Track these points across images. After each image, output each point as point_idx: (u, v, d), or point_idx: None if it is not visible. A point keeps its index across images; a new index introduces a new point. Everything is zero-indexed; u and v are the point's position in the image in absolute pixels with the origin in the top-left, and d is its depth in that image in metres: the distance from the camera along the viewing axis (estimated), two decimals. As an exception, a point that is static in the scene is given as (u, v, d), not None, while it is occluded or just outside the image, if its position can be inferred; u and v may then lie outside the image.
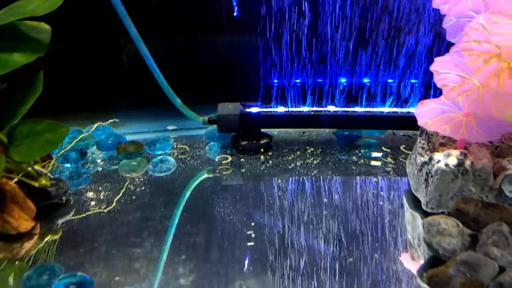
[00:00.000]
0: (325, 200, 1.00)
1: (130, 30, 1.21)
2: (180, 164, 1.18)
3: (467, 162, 0.85)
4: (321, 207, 0.98)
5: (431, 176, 0.86)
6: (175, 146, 1.26)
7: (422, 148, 0.92)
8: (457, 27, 0.90)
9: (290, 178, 1.10)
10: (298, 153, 1.22)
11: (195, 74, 1.47)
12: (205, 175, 1.13)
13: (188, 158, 1.21)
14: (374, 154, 1.19)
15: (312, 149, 1.24)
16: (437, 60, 0.88)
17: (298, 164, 1.16)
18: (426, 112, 0.90)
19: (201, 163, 1.19)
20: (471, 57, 0.78)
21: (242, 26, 1.44)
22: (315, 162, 1.17)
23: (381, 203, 0.99)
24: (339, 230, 0.90)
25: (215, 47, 1.47)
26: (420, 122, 0.90)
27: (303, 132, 1.33)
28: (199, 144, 1.28)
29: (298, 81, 1.35)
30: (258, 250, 0.84)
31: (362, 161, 1.16)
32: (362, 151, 1.21)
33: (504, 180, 0.85)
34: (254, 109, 1.25)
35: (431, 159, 0.88)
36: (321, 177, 1.11)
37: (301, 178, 1.10)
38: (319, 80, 1.34)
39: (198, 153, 1.23)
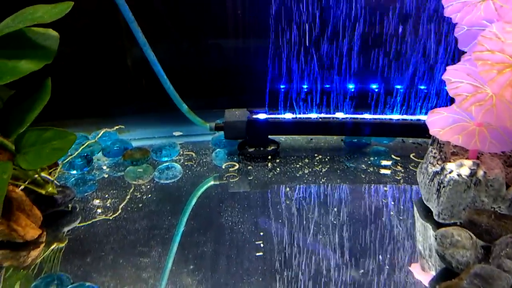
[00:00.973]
0: (334, 209, 0.99)
1: (137, 36, 1.20)
2: (187, 171, 1.17)
3: (480, 172, 0.84)
4: (330, 216, 0.97)
5: (443, 187, 0.85)
6: (181, 152, 1.25)
7: (434, 157, 0.91)
8: (469, 36, 0.89)
9: (298, 186, 1.09)
10: (306, 160, 1.21)
11: (201, 80, 1.46)
12: (212, 182, 1.12)
13: (195, 165, 1.20)
14: (384, 162, 1.18)
15: (320, 156, 1.23)
16: (449, 68, 0.87)
17: (306, 171, 1.15)
18: (437, 121, 0.89)
19: (207, 170, 1.18)
20: (485, 67, 0.77)
21: (249, 31, 1.44)
22: (323, 170, 1.16)
23: (391, 212, 0.97)
24: (348, 239, 0.89)
25: (221, 52, 1.46)
26: (432, 131, 0.88)
27: (311, 139, 1.32)
28: (206, 151, 1.27)
29: (305, 86, 1.34)
30: (267, 260, 0.83)
31: (371, 169, 1.15)
32: (371, 159, 1.20)
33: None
34: (262, 116, 1.24)
35: (443, 169, 0.86)
36: (330, 185, 1.09)
37: (309, 186, 1.09)
38: (327, 86, 1.33)
39: (204, 160, 1.22)
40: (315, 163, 1.19)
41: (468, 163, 0.85)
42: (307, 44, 1.31)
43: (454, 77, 0.85)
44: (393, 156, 1.21)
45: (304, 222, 0.95)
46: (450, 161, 0.88)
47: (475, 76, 0.82)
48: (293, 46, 1.30)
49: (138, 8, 1.27)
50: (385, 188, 1.07)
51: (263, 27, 1.28)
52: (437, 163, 0.89)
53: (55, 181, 0.97)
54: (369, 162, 1.19)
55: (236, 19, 1.45)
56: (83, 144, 1.13)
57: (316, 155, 1.23)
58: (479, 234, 0.77)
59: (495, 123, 0.81)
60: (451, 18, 0.90)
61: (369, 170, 1.15)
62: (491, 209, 0.84)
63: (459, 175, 0.84)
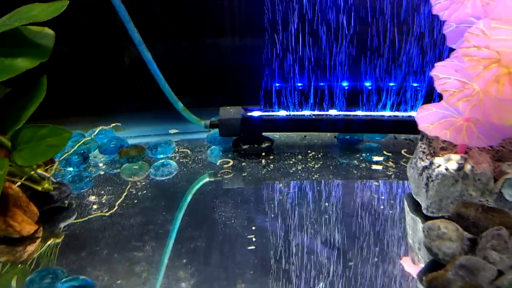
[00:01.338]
0: (326, 204, 1.01)
1: (133, 35, 1.22)
2: (182, 168, 1.19)
3: (468, 167, 0.86)
4: (322, 211, 0.98)
5: (432, 181, 0.87)
6: (176, 150, 1.27)
7: (423, 152, 0.93)
8: (457, 33, 0.91)
9: (291, 182, 1.11)
10: (300, 157, 1.22)
11: (198, 78, 1.48)
12: (207, 179, 1.14)
13: (190, 162, 1.21)
14: (376, 158, 1.19)
15: (313, 153, 1.24)
16: (438, 65, 0.88)
17: (300, 168, 1.17)
18: (426, 117, 0.91)
19: (202, 167, 1.19)
20: (471, 63, 0.78)
21: (245, 29, 1.46)
22: (316, 166, 1.18)
23: (382, 207, 0.99)
24: (340, 234, 0.91)
25: (217, 50, 1.48)
26: (421, 127, 0.90)
27: (305, 136, 1.34)
28: (201, 148, 1.29)
29: (300, 84, 1.35)
30: (259, 254, 0.85)
31: (363, 165, 1.17)
32: (364, 155, 1.22)
33: (504, 184, 0.85)
34: (256, 113, 1.26)
35: (431, 163, 0.88)
36: (323, 181, 1.11)
37: (302, 182, 1.10)
38: (321, 83, 1.35)
39: (199, 157, 1.24)
40: (308, 160, 1.21)
41: (456, 157, 0.87)
42: (302, 42, 1.32)
43: (442, 73, 0.86)
44: (385, 152, 1.22)
45: (296, 217, 0.96)
46: (438, 156, 0.89)
47: (462, 72, 0.84)
48: (288, 44, 1.31)
49: (136, 7, 1.29)
50: (376, 183, 1.08)
51: (259, 25, 1.29)
52: (426, 158, 0.90)
53: (51, 178, 0.99)
54: (361, 158, 1.20)
55: (233, 18, 1.47)
56: (79, 142, 1.14)
57: (309, 151, 1.25)
58: (466, 226, 0.79)
59: (482, 118, 0.82)
60: (439, 15, 0.92)
61: (361, 166, 1.16)
62: (478, 202, 0.85)
63: (447, 169, 0.85)
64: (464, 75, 0.83)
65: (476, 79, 0.78)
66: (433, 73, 0.88)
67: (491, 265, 0.68)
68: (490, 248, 0.71)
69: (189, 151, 1.27)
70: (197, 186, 1.11)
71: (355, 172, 1.14)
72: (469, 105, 0.82)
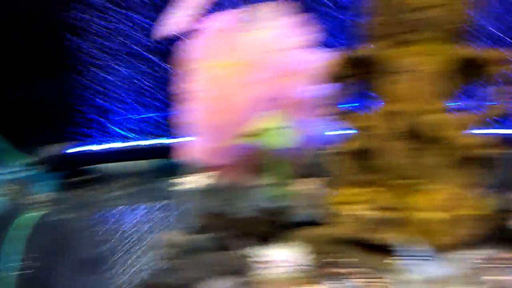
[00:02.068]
0: (119, 225, 1.12)
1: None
2: (7, 205, 1.27)
3: (215, 182, 1.01)
4: (108, 233, 1.08)
5: (184, 196, 1.01)
6: (4, 187, 1.35)
7: (187, 173, 1.07)
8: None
9: (105, 209, 1.22)
10: (120, 184, 1.35)
11: (31, 117, 1.57)
12: (30, 214, 1.22)
13: (15, 198, 1.30)
14: (184, 180, 1.33)
15: (133, 179, 1.37)
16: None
17: (116, 195, 1.29)
18: (187, 143, 1.06)
19: (27, 202, 1.28)
20: (191, 100, 0.94)
21: (76, 67, 1.57)
22: (132, 191, 1.30)
23: (165, 223, 1.11)
24: (106, 252, 1.00)
25: (48, 89, 1.58)
26: (181, 152, 1.05)
27: (130, 165, 1.46)
28: (28, 184, 1.38)
29: (136, 116, 1.48)
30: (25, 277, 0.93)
31: (172, 187, 1.30)
32: (176, 178, 1.35)
33: (244, 194, 1.01)
34: (78, 148, 1.38)
35: (185, 181, 1.03)
36: (135, 205, 1.23)
37: (113, 209, 1.22)
38: (151, 114, 1.49)
39: (25, 193, 1.33)
40: (127, 186, 1.33)
41: (205, 174, 1.02)
42: (129, 79, 1.45)
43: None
44: (192, 174, 1.36)
45: (88, 240, 1.06)
46: (194, 175, 1.04)
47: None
48: (116, 81, 1.44)
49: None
50: (172, 203, 1.22)
51: (91, 63, 1.41)
52: (186, 177, 1.05)
53: None
54: (172, 181, 1.33)
55: (66, 56, 1.58)
56: None
57: (129, 179, 1.38)
58: (209, 233, 0.92)
59: (219, 142, 0.98)
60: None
61: (170, 189, 1.29)
62: (223, 212, 1.00)
63: (196, 185, 1.00)
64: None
65: (194, 114, 0.94)
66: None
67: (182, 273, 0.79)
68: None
69: (14, 188, 1.35)
70: (21, 221, 1.18)
71: (163, 194, 1.27)
72: (205, 136, 0.97)
